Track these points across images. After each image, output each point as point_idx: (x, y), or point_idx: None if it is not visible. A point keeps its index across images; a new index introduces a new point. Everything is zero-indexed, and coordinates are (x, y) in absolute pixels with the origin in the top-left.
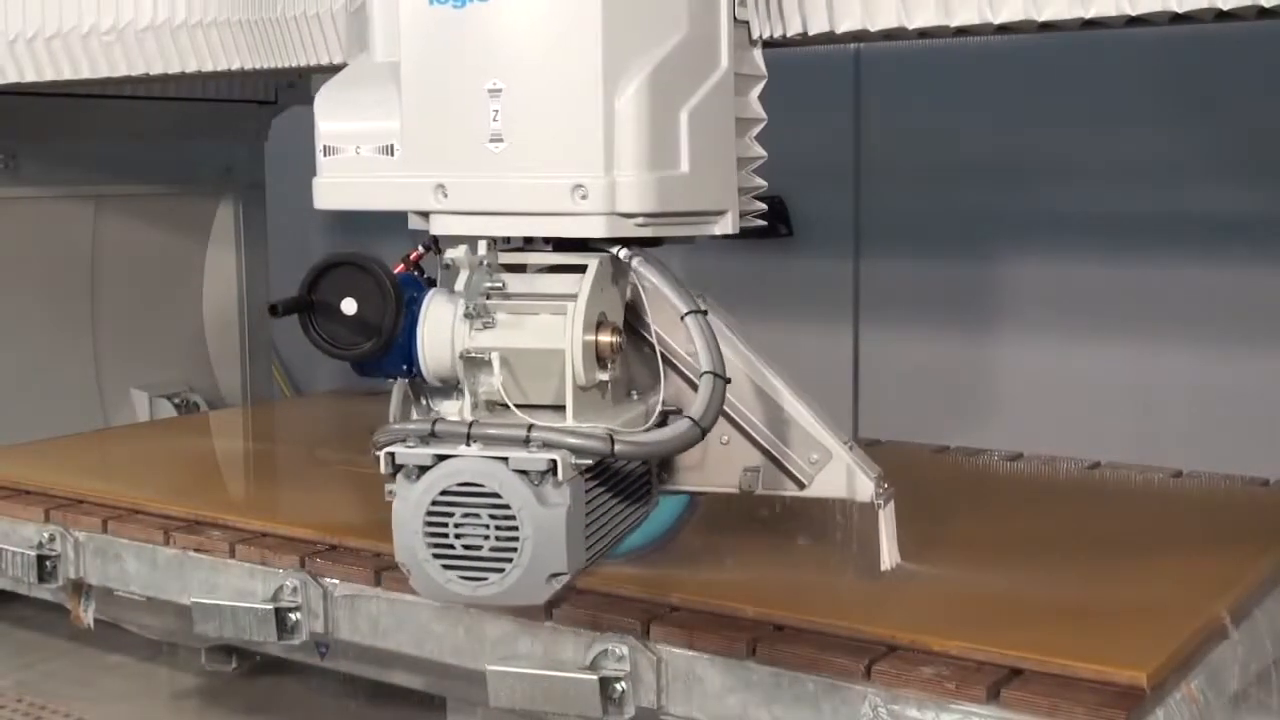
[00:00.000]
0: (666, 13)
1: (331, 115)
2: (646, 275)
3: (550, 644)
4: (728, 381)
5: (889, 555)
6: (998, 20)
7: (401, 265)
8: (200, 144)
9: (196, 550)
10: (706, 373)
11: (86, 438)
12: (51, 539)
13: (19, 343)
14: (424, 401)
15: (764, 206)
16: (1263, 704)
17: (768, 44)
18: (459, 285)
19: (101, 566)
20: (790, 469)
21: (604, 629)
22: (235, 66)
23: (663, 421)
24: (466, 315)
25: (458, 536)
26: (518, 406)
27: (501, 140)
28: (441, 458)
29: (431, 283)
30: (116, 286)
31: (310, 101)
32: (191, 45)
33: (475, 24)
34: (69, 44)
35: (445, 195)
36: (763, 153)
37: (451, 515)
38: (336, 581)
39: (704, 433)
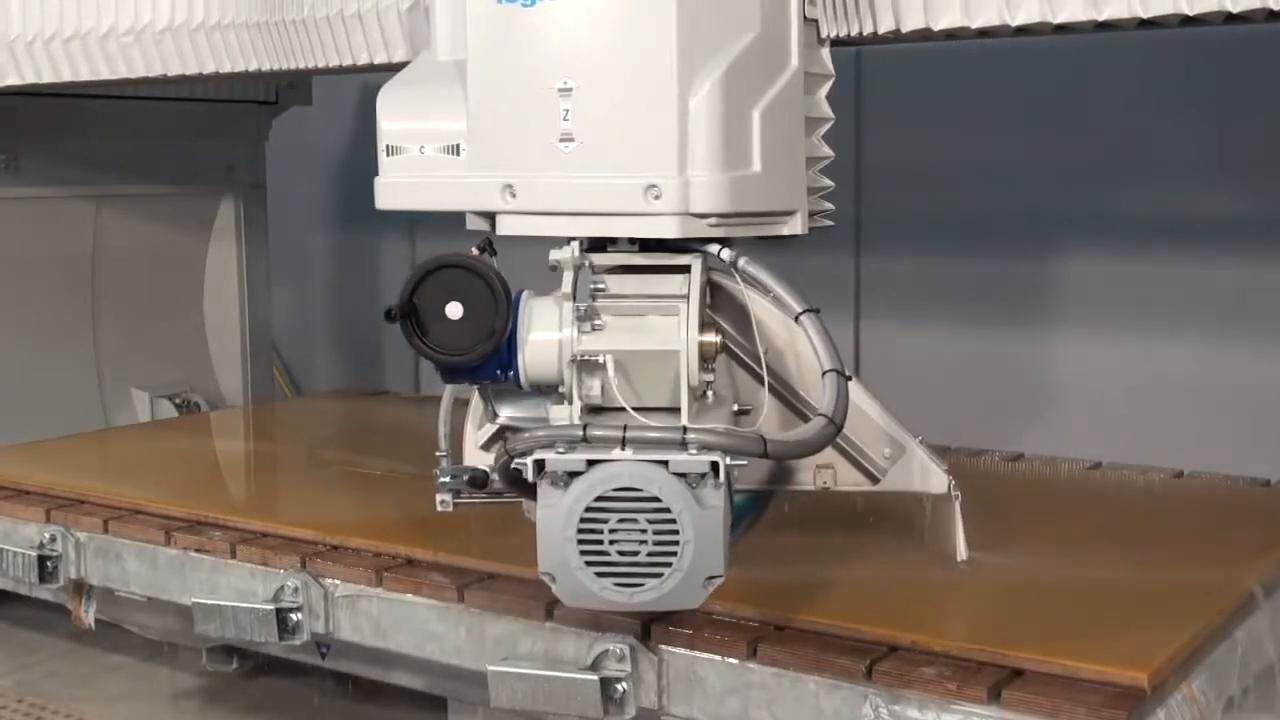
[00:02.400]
0: (740, 11)
1: (395, 115)
2: (756, 275)
3: (551, 644)
4: (849, 379)
5: (962, 546)
6: (1057, 20)
7: None
8: (201, 144)
9: (197, 550)
10: (830, 371)
11: (87, 438)
12: (52, 539)
13: (20, 343)
14: (489, 406)
15: (831, 206)
16: (1263, 704)
17: (835, 43)
18: (565, 286)
19: (102, 567)
20: (865, 465)
21: (605, 629)
22: (254, 68)
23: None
24: (578, 317)
25: (612, 542)
26: (622, 410)
27: (572, 140)
28: (592, 463)
29: None
30: (117, 286)
31: (310, 102)
32: (209, 47)
33: (545, 23)
34: (87, 45)
35: (513, 195)
36: (830, 152)
37: (607, 521)
38: (337, 582)
39: (839, 430)
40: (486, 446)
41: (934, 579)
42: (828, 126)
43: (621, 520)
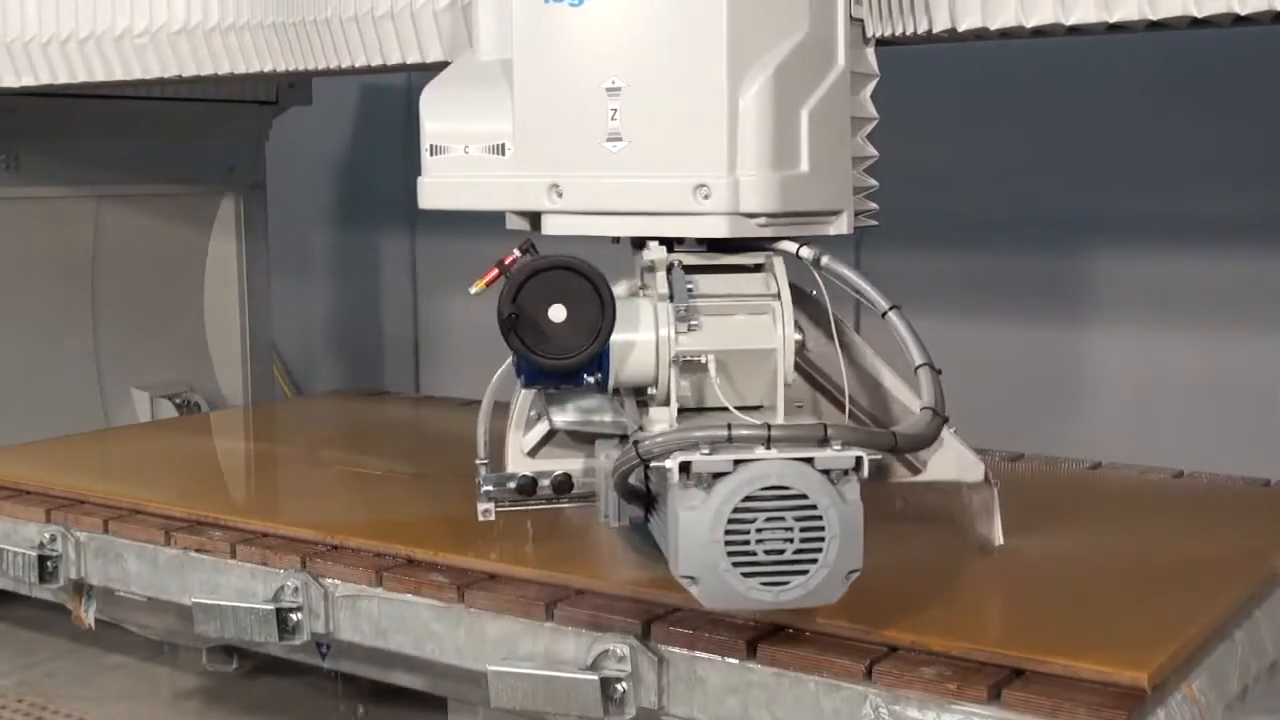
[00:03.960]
0: (788, 11)
1: (439, 115)
2: (840, 272)
3: (551, 644)
4: (939, 372)
5: (999, 532)
6: (1069, 22)
7: (496, 270)
8: (201, 144)
9: (198, 550)
10: (922, 365)
11: (87, 438)
12: (53, 539)
13: (20, 342)
14: (536, 411)
15: (876, 206)
16: (1264, 704)
17: (881, 42)
18: (660, 287)
19: (103, 567)
20: (908, 456)
21: (605, 629)
22: (268, 69)
23: None
24: (679, 317)
25: (759, 542)
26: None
27: (620, 139)
28: (737, 463)
29: None
30: (118, 286)
31: (310, 102)
32: (224, 48)
33: (593, 22)
34: (102, 46)
35: (560, 195)
36: (875, 152)
37: (754, 521)
38: (337, 582)
39: (945, 421)
40: (533, 452)
41: (934, 579)
42: (872, 126)
43: (769, 519)
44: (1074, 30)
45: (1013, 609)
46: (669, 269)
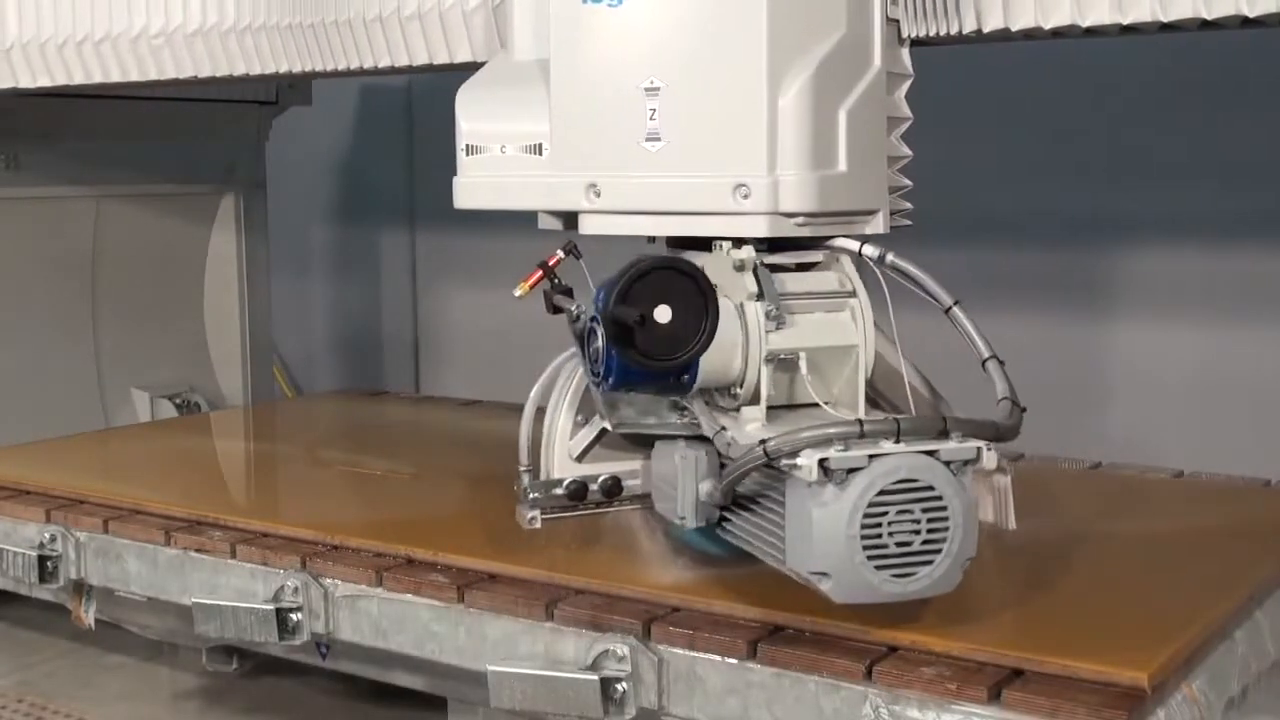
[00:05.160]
0: (827, 12)
1: (475, 115)
2: (905, 268)
3: (551, 644)
4: (1003, 362)
5: (1013, 519)
6: (1085, 23)
7: (540, 272)
8: (201, 144)
9: (198, 550)
10: (990, 358)
11: (87, 438)
12: (52, 539)
13: (20, 343)
14: (583, 416)
15: (910, 206)
16: (1264, 704)
17: (916, 43)
18: (750, 286)
19: (102, 567)
20: None
21: (605, 629)
22: (284, 70)
23: None
24: (769, 316)
25: (890, 534)
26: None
27: (659, 139)
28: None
29: (569, 291)
30: (117, 286)
31: (310, 102)
32: (240, 49)
33: (632, 23)
34: (118, 48)
35: (597, 195)
36: (909, 152)
37: (885, 514)
38: (337, 582)
39: (1024, 410)
40: (581, 457)
41: None
42: (906, 126)
43: (900, 512)
44: (1090, 32)
45: (1013, 609)
46: (755, 268)
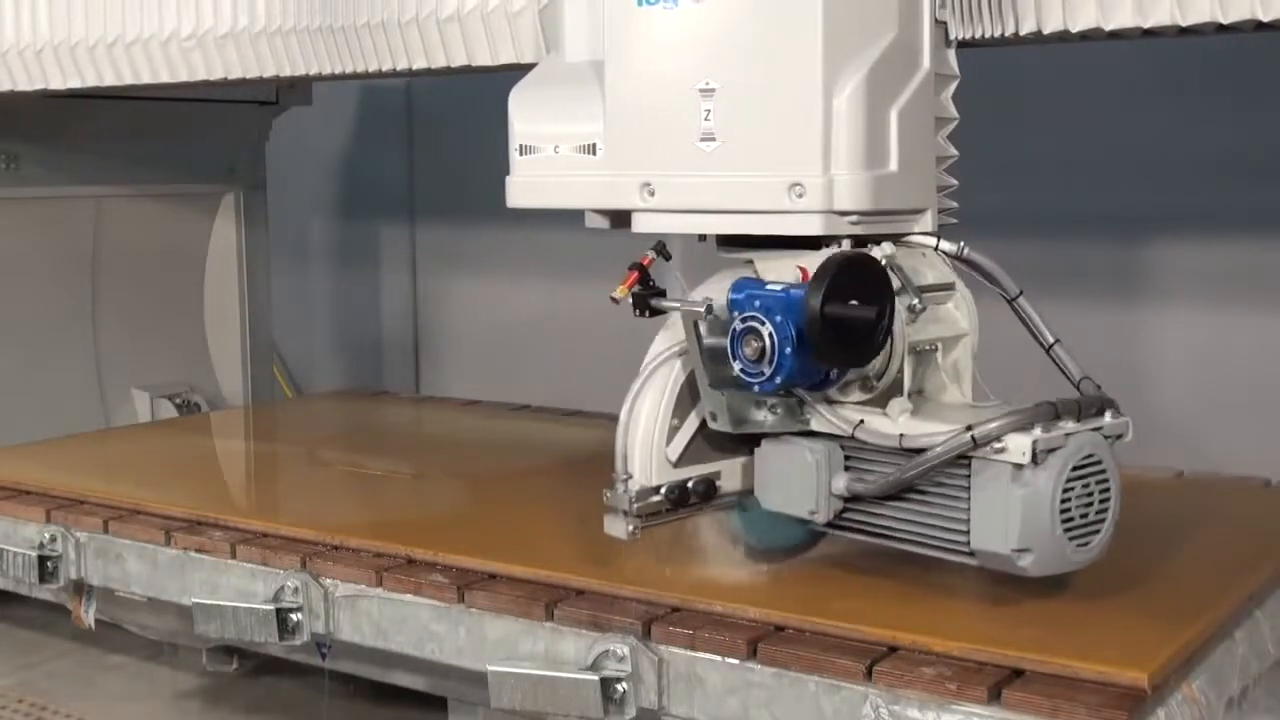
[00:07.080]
0: (879, 13)
1: (528, 116)
2: (979, 261)
3: (551, 644)
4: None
5: None
6: (1109, 27)
7: (635, 273)
8: (201, 144)
9: (198, 551)
10: (1055, 343)
11: (87, 438)
12: (53, 539)
13: (20, 343)
14: (678, 419)
15: (955, 205)
16: (1264, 704)
17: (962, 44)
18: (895, 280)
19: (103, 567)
20: None
21: (605, 629)
22: (314, 72)
23: None
24: (910, 309)
25: (1076, 507)
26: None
27: (714, 139)
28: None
29: (662, 293)
30: (117, 286)
31: (310, 102)
32: (270, 51)
33: (688, 25)
34: (149, 50)
35: (651, 194)
36: (955, 151)
37: (1073, 489)
38: (337, 582)
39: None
40: (679, 462)
41: (933, 579)
42: (953, 126)
43: (1084, 487)
44: (1114, 35)
45: (1013, 608)
46: (899, 265)
